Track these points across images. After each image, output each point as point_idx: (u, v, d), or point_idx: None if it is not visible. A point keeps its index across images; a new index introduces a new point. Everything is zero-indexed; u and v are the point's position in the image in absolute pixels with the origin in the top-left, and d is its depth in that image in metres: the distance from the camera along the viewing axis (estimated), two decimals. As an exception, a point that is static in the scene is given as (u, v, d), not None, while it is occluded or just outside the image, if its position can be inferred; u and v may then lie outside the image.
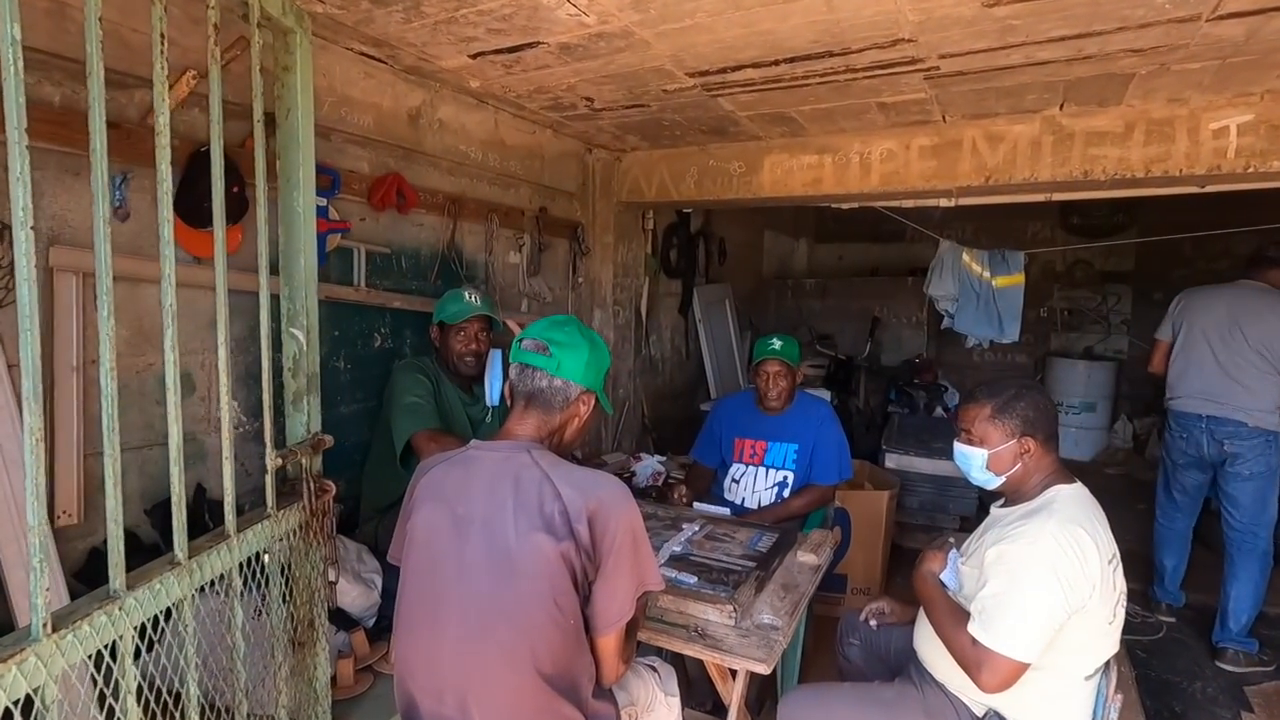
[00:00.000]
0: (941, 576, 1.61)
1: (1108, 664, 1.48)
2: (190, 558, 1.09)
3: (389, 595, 2.05)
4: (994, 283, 3.45)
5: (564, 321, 1.38)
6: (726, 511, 2.44)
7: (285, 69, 1.40)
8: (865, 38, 2.03)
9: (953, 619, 1.47)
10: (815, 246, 7.70)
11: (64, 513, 1.63)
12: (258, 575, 1.31)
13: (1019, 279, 3.47)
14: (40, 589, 0.83)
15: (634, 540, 1.20)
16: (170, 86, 1.75)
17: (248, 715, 1.28)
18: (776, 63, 2.25)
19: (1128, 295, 6.44)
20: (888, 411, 4.94)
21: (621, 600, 1.19)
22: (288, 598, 1.41)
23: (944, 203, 3.19)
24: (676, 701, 1.60)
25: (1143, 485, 5.22)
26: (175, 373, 1.10)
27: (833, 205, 3.51)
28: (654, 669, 1.58)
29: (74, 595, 1.52)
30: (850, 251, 7.45)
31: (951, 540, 1.70)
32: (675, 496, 2.50)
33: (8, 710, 0.81)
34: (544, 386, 1.29)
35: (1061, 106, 2.67)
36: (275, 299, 1.57)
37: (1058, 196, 3.05)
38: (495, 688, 1.15)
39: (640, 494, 3.22)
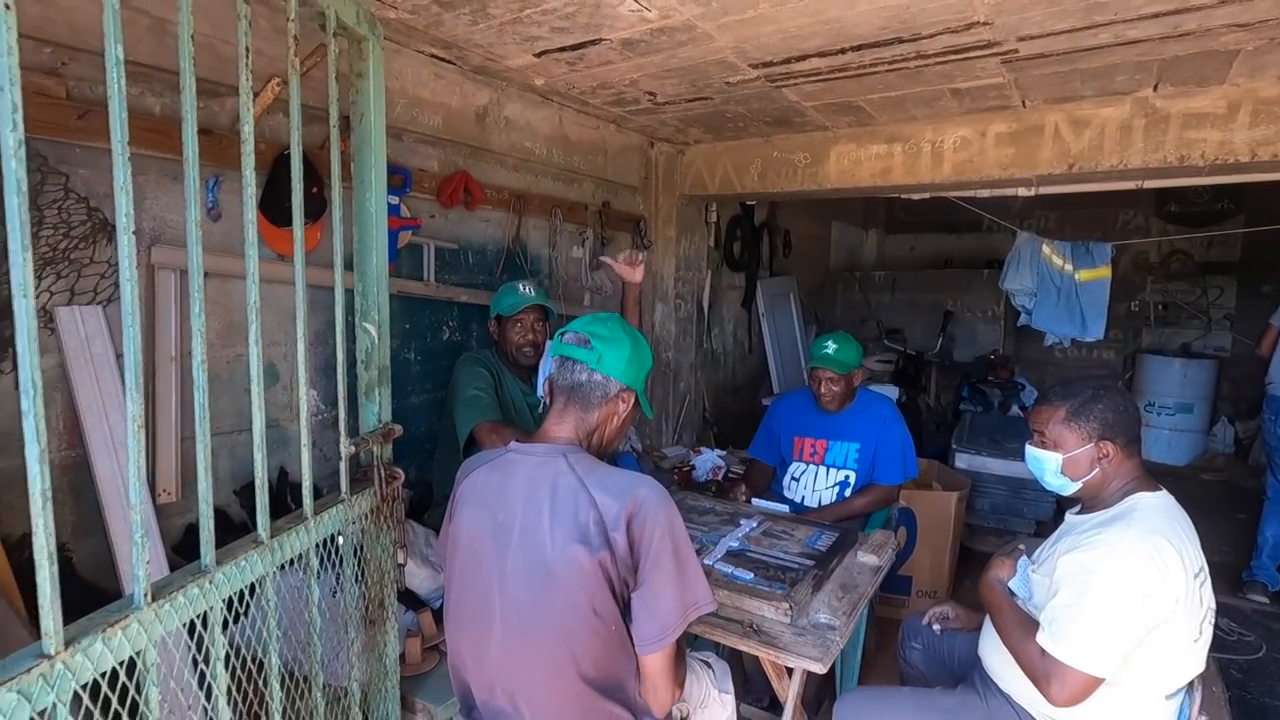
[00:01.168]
0: (1010, 584, 1.55)
1: (1191, 684, 1.40)
2: (273, 537, 1.17)
3: (454, 579, 2.13)
4: (1076, 276, 3.25)
5: (607, 318, 1.36)
6: (785, 509, 2.41)
7: (359, 75, 1.46)
8: (937, 22, 1.96)
9: (1020, 628, 1.42)
10: (885, 237, 7.47)
11: (164, 491, 1.77)
12: (333, 556, 1.39)
13: (1105, 272, 3.26)
14: (141, 561, 0.91)
15: (674, 548, 1.16)
16: (256, 94, 1.87)
17: (323, 686, 1.37)
18: (843, 51, 2.20)
19: (1231, 288, 5.96)
20: (959, 409, 4.76)
21: (665, 617, 1.14)
22: (360, 578, 1.49)
23: (1023, 192, 3.03)
24: (731, 699, 1.60)
25: (1244, 493, 4.84)
26: (259, 365, 1.18)
27: (902, 196, 3.39)
28: (709, 665, 1.59)
29: (173, 568, 1.66)
30: (922, 242, 7.18)
31: (1022, 547, 1.63)
32: (735, 494, 2.49)
33: (114, 671, 0.89)
34: (584, 380, 1.27)
35: (1155, 87, 2.50)
36: (350, 294, 1.65)
37: (1150, 184, 2.85)
38: (540, 689, 1.18)
39: (699, 488, 3.23)
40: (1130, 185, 2.86)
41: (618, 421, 1.31)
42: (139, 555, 0.90)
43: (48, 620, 0.79)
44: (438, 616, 2.07)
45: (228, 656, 1.09)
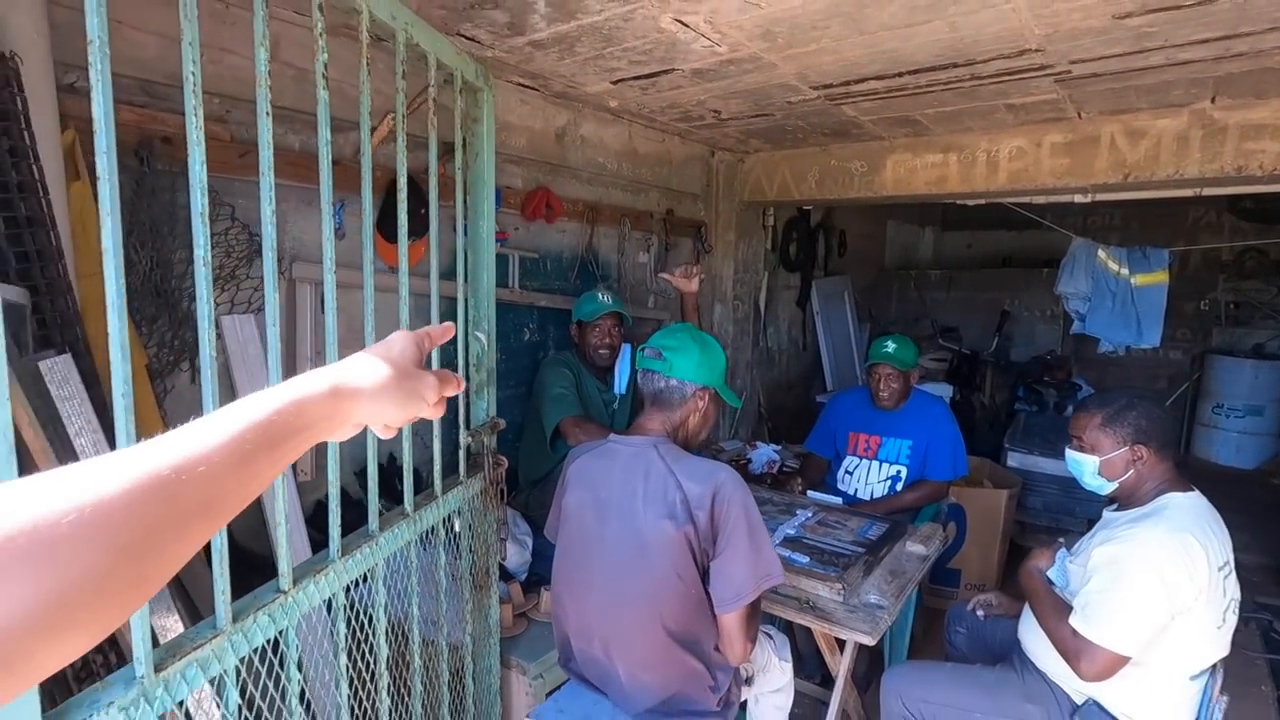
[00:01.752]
0: (1049, 573, 1.70)
1: (1215, 666, 1.53)
2: (415, 510, 1.44)
3: (537, 555, 2.40)
4: (1133, 281, 3.29)
5: (676, 329, 1.59)
6: (839, 501, 2.59)
7: (474, 120, 1.71)
8: (991, 49, 2.09)
9: (1055, 611, 1.58)
10: (942, 234, 7.44)
11: (302, 472, 2.08)
12: (453, 530, 1.66)
13: (1162, 277, 3.29)
14: (336, 524, 1.18)
15: (748, 524, 1.37)
16: (374, 129, 2.15)
17: (428, 641, 1.64)
18: (900, 74, 2.35)
19: (1309, 288, 5.77)
20: (1014, 409, 4.80)
21: (739, 583, 1.35)
22: (472, 549, 1.76)
23: (1079, 199, 3.10)
24: (789, 666, 1.81)
25: (1316, 499, 4.74)
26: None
27: (958, 203, 3.49)
28: (770, 636, 1.80)
29: (310, 538, 1.96)
30: (980, 240, 7.14)
31: (1062, 541, 1.79)
32: (791, 486, 2.68)
33: (322, 605, 1.16)
34: (662, 387, 1.51)
35: (1213, 99, 2.55)
36: (449, 300, 1.92)
37: (1209, 192, 2.89)
38: (631, 639, 1.42)
39: (755, 480, 3.42)
40: (1188, 192, 2.90)
41: (699, 417, 1.54)
42: (335, 520, 1.17)
43: (284, 564, 1.05)
44: (525, 587, 2.34)
45: (386, 606, 1.35)
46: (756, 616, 1.47)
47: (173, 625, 1.14)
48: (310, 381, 0.53)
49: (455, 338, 1.69)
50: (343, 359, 0.58)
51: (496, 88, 2.57)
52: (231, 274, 1.92)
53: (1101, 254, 3.38)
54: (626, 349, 2.70)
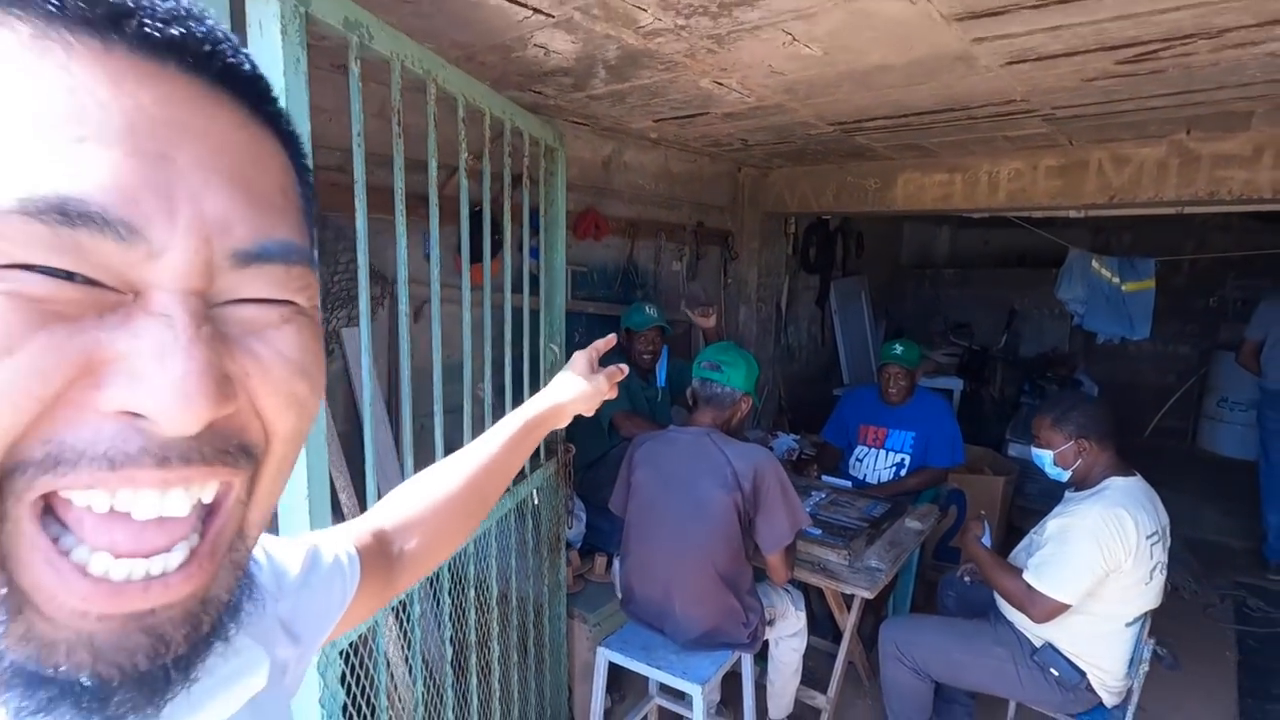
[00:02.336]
0: (981, 540, 2.11)
1: (1145, 615, 1.92)
2: (516, 484, 1.86)
3: (590, 528, 2.83)
4: (1123, 288, 3.62)
5: (726, 347, 2.08)
6: (849, 485, 2.98)
7: (550, 174, 2.12)
8: (981, 98, 2.44)
9: (1002, 569, 1.98)
10: (958, 231, 7.70)
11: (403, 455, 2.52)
12: (534, 503, 2.08)
13: (1149, 284, 3.61)
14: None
15: (782, 489, 1.85)
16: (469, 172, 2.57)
17: (519, 596, 2.07)
18: (904, 115, 2.70)
19: (1316, 285, 5.97)
20: (1019, 402, 5.13)
21: (780, 532, 1.85)
22: (547, 518, 2.18)
23: (1072, 214, 3.43)
24: (803, 615, 2.23)
25: (1307, 488, 5.01)
26: (478, 366, 1.86)
27: (962, 215, 3.83)
28: (788, 591, 2.22)
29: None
30: (996, 236, 7.38)
31: (983, 513, 2.20)
32: (808, 472, 3.08)
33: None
34: (718, 392, 1.96)
35: (1188, 132, 2.87)
36: (517, 312, 2.34)
37: (1188, 211, 3.20)
38: (687, 581, 1.85)
39: (776, 466, 3.82)
40: (1170, 212, 3.22)
41: (740, 415, 2.00)
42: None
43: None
44: (580, 554, 2.78)
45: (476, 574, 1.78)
46: (793, 553, 2.02)
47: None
48: (542, 400, 0.94)
49: (529, 348, 2.12)
50: (553, 380, 1.00)
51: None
52: (352, 296, 2.36)
53: (1095, 264, 3.71)
54: (665, 350, 3.13)
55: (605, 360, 1.03)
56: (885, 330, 6.01)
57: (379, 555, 0.70)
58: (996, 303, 6.32)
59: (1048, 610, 1.84)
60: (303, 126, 1.03)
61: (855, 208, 3.87)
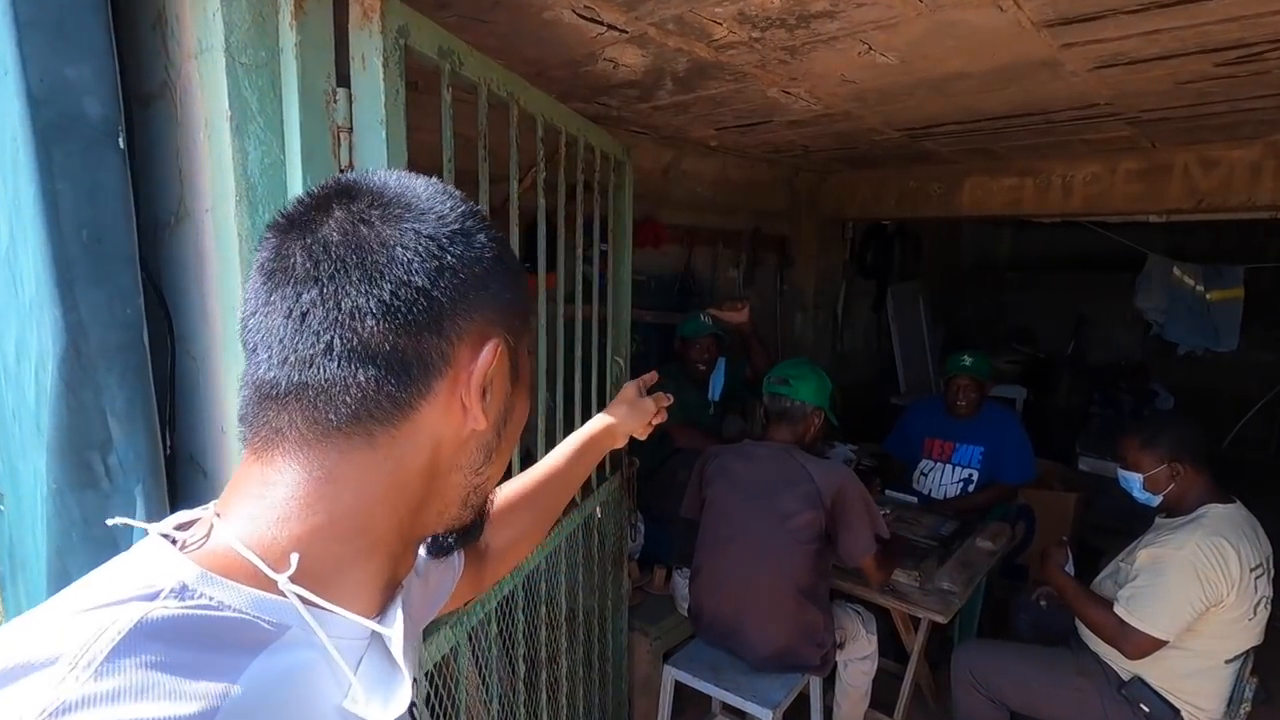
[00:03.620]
0: (1065, 568, 2.02)
1: (1247, 653, 1.80)
2: (583, 500, 1.87)
3: (650, 539, 2.82)
4: (1209, 296, 3.42)
5: (798, 363, 2.04)
6: (914, 500, 2.90)
7: (618, 187, 2.12)
8: (1062, 104, 2.34)
9: (1090, 600, 1.90)
10: (1019, 233, 7.43)
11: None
12: (601, 517, 2.08)
13: (1237, 293, 3.41)
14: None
15: (864, 503, 1.84)
16: (519, 179, 2.59)
17: (586, 610, 2.07)
18: (977, 121, 2.61)
19: None
20: (1088, 413, 4.91)
21: (864, 542, 1.85)
22: (611, 532, 2.18)
23: (1153, 219, 3.26)
24: (874, 639, 2.17)
25: None
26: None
27: (1032, 220, 3.69)
28: (858, 613, 2.17)
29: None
30: (1059, 240, 7.09)
31: (1065, 539, 2.11)
32: (871, 486, 3.00)
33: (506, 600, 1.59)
34: (788, 407, 1.92)
35: (1286, 132, 2.70)
36: (581, 322, 2.34)
37: (1283, 215, 3.02)
38: (762, 597, 1.82)
39: (834, 477, 3.74)
40: (1263, 216, 3.03)
41: (814, 430, 1.97)
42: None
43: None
44: (640, 566, 2.77)
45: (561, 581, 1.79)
46: (890, 560, 2.02)
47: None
48: (597, 421, 1.08)
49: (585, 359, 2.12)
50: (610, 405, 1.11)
51: (616, 136, 2.98)
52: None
53: (1177, 271, 3.52)
54: (722, 362, 3.09)
55: (658, 386, 1.19)
56: (944, 337, 5.83)
57: (475, 550, 0.82)
58: (1062, 308, 6.07)
59: (1142, 646, 1.74)
60: (399, 156, 1.05)
61: (919, 213, 3.77)
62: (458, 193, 0.54)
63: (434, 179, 0.54)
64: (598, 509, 2.06)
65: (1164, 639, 1.73)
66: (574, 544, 1.85)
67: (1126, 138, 2.83)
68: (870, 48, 1.79)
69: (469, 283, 0.50)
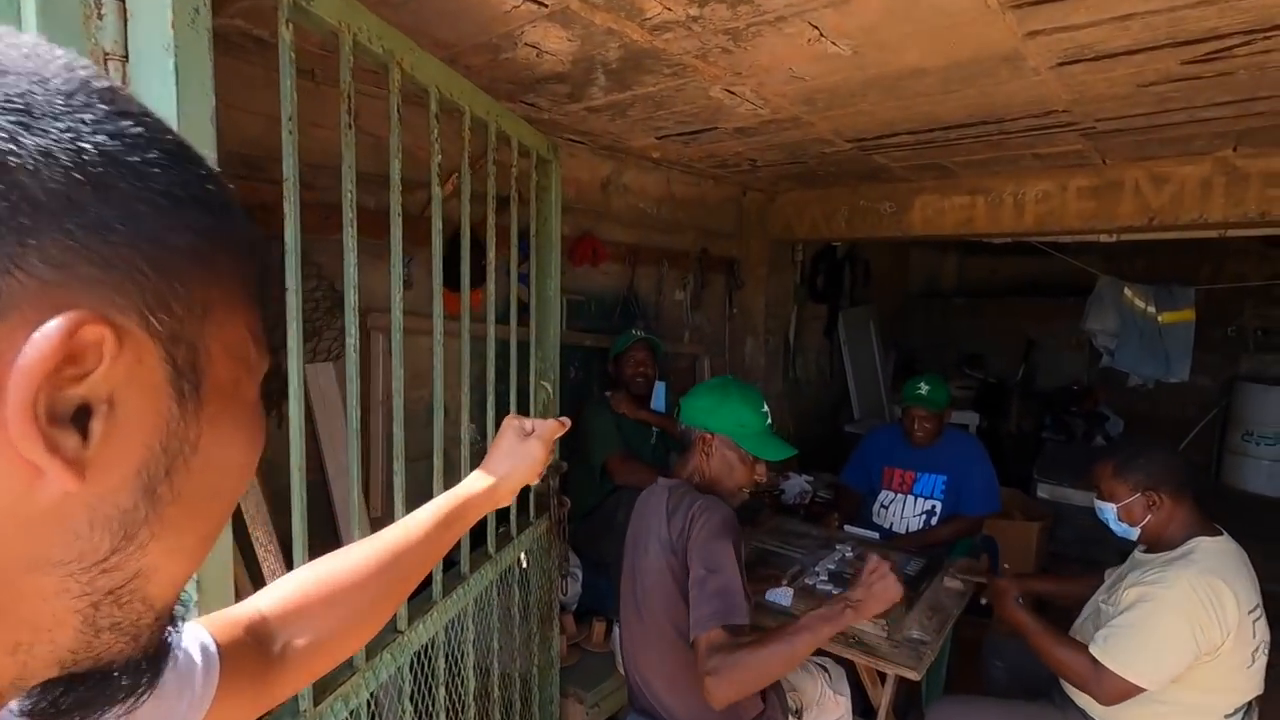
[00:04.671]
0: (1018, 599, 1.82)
1: (1250, 704, 1.61)
2: (497, 551, 1.57)
3: (587, 587, 2.52)
4: (1160, 318, 3.37)
5: (720, 380, 1.76)
6: (875, 535, 2.68)
7: (543, 189, 1.87)
8: (1019, 109, 2.22)
9: (1057, 639, 1.69)
10: (966, 259, 7.51)
11: (373, 508, 2.22)
12: (521, 568, 1.79)
13: (1188, 315, 3.37)
14: (440, 569, 1.31)
15: (704, 566, 1.40)
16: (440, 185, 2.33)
17: (504, 675, 1.76)
18: (931, 130, 2.48)
19: (1340, 313, 5.75)
20: (1041, 438, 4.84)
21: (697, 616, 1.37)
22: (539, 585, 1.88)
23: (1104, 238, 3.20)
24: (845, 700, 1.91)
25: (1351, 529, 4.72)
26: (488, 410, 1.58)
27: (984, 240, 3.60)
28: (825, 669, 1.90)
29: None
30: (1004, 265, 7.18)
31: (1006, 566, 1.90)
32: (828, 521, 2.78)
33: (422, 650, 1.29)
34: (681, 431, 1.69)
35: (1235, 148, 2.65)
36: (504, 344, 2.07)
37: (1233, 234, 2.98)
38: (665, 665, 1.53)
39: (788, 511, 3.51)
40: (1211, 234, 2.99)
41: (713, 462, 1.64)
42: (465, 556, 1.30)
43: (403, 607, 1.19)
44: (576, 618, 2.46)
45: (475, 639, 1.48)
46: (726, 655, 1.31)
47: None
48: (472, 483, 0.84)
49: (520, 385, 1.84)
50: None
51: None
52: (314, 327, 2.09)
53: (1128, 292, 3.47)
54: (660, 386, 2.83)
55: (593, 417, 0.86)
56: (895, 362, 5.75)
57: (251, 651, 0.57)
58: (1010, 333, 6.07)
59: (1117, 691, 1.54)
60: (200, 103, 0.77)
61: (869, 233, 3.64)
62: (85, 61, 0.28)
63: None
64: (522, 558, 1.76)
65: (1142, 685, 1.52)
66: (486, 604, 1.54)
67: (1078, 152, 2.74)
68: (821, 33, 1.61)
69: (59, 193, 0.24)
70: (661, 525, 1.53)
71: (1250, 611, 1.56)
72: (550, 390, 1.91)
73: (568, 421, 0.97)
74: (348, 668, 1.07)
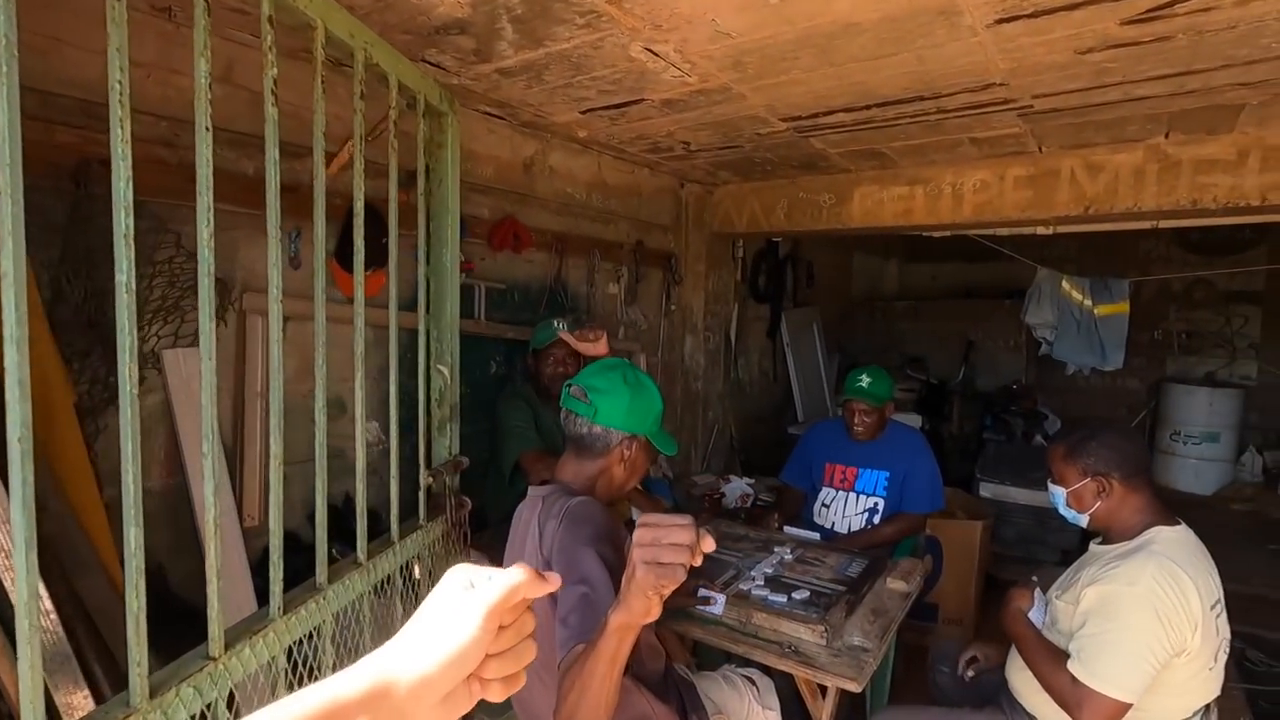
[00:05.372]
0: (1030, 614, 1.66)
1: (1208, 707, 1.49)
2: (369, 559, 1.33)
3: (504, 600, 2.27)
4: (1095, 311, 3.36)
5: (612, 366, 1.42)
6: (816, 536, 2.52)
7: (438, 146, 1.65)
8: (956, 83, 2.11)
9: (1049, 657, 1.52)
10: (906, 266, 7.58)
11: (249, 516, 1.94)
12: (411, 577, 1.54)
13: (1123, 307, 3.36)
14: (277, 579, 1.07)
15: (568, 565, 1.15)
16: (334, 155, 2.07)
17: None
18: (867, 107, 2.36)
19: (1256, 317, 5.97)
20: (982, 438, 4.83)
21: (558, 639, 1.09)
22: (432, 597, 1.64)
23: (1041, 231, 3.16)
24: (775, 715, 1.71)
25: (1274, 523, 4.83)
26: (363, 406, 1.35)
27: (923, 234, 3.53)
28: (752, 681, 1.71)
29: (255, 588, 1.82)
30: (943, 271, 7.28)
31: (1035, 579, 1.75)
32: (768, 522, 2.60)
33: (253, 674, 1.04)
34: (585, 433, 1.36)
35: (1167, 135, 2.63)
36: (410, 332, 1.83)
37: (1166, 224, 2.97)
38: (538, 689, 1.30)
39: (729, 515, 3.34)
40: (1146, 224, 2.97)
41: (624, 468, 1.40)
42: (276, 574, 1.06)
43: (214, 626, 0.94)
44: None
45: (333, 666, 1.23)
46: (582, 687, 0.95)
47: (80, 703, 1.00)
48: (348, 679, 0.48)
49: (416, 370, 1.61)
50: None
51: (462, 116, 2.51)
52: (176, 305, 1.81)
53: (1065, 285, 3.45)
54: None
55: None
56: (839, 365, 5.69)
57: None
58: (950, 335, 6.10)
59: (1103, 713, 1.38)
60: None
61: (809, 226, 3.53)
62: None
63: None
64: (411, 566, 1.52)
65: (1128, 700, 1.38)
66: (356, 621, 1.30)
67: (1015, 137, 2.68)
68: (743, -30, 1.45)
69: None
70: (533, 542, 1.27)
71: (1213, 606, 1.44)
72: (447, 376, 1.68)
73: (554, 580, 0.57)
74: (121, 705, 0.82)
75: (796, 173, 3.45)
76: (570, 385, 1.41)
